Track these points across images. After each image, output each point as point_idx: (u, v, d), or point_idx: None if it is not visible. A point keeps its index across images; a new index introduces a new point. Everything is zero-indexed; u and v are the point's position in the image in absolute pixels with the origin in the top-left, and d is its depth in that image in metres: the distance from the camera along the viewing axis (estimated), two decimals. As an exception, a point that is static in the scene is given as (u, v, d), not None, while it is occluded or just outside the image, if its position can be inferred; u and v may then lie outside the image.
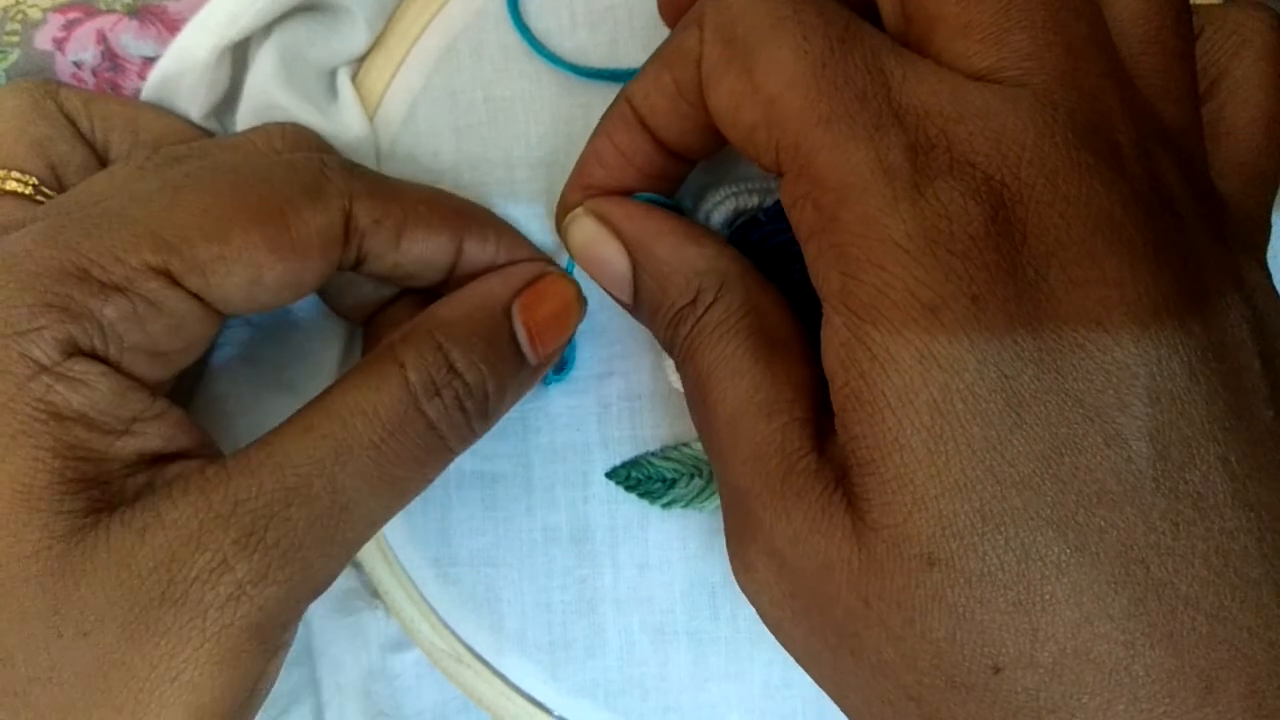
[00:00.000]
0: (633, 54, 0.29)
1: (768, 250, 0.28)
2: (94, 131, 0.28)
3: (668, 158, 0.25)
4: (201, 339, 0.23)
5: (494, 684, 0.30)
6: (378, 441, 0.23)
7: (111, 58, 0.29)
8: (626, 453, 0.30)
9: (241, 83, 0.28)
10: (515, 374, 0.26)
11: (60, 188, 0.27)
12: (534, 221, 0.29)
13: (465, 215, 0.26)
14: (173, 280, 0.22)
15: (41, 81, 0.28)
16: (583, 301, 0.27)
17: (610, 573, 0.30)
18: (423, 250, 0.25)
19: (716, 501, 0.29)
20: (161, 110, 0.29)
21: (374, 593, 0.30)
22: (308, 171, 0.23)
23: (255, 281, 0.23)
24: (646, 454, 0.30)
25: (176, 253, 0.22)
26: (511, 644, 0.30)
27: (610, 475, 0.30)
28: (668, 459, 0.30)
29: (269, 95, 0.28)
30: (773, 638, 0.29)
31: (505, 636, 0.30)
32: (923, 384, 0.18)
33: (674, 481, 0.29)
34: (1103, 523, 0.17)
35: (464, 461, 0.30)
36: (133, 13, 0.29)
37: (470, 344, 0.25)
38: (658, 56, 0.23)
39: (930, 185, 0.18)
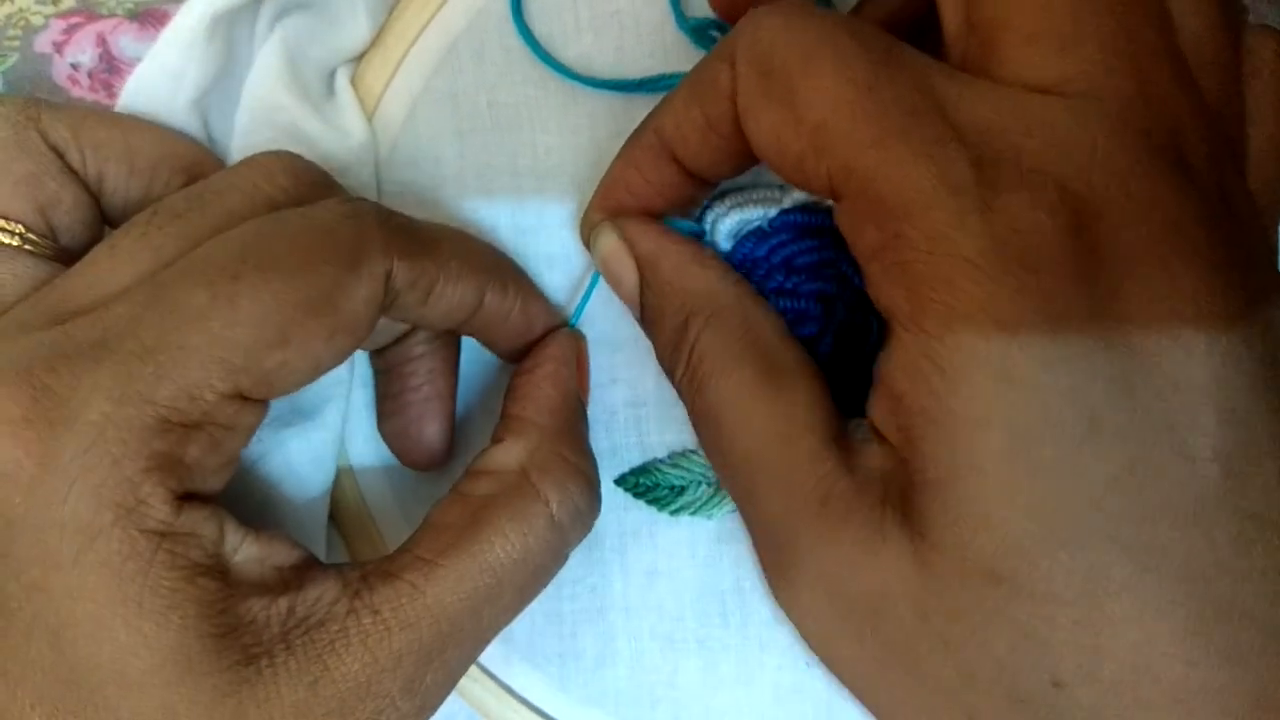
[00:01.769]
0: (638, 60, 0.28)
1: (775, 263, 0.28)
2: (85, 164, 0.25)
3: (694, 183, 0.25)
4: (257, 428, 0.23)
5: (502, 697, 0.30)
6: (524, 584, 0.24)
7: (109, 60, 0.28)
8: (634, 460, 0.30)
9: (241, 79, 0.27)
10: None
11: (50, 232, 0.24)
12: (542, 232, 0.29)
13: (489, 268, 0.26)
14: (243, 398, 0.21)
15: (22, 104, 0.25)
16: None
17: (620, 580, 0.30)
18: (448, 305, 0.25)
19: (725, 509, 0.29)
20: (155, 131, 0.27)
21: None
22: (349, 239, 0.22)
23: (315, 369, 0.22)
24: (655, 461, 0.30)
25: (245, 373, 0.21)
26: (520, 655, 0.30)
27: (619, 482, 0.30)
28: (676, 466, 0.30)
29: (274, 95, 0.27)
30: (783, 644, 0.29)
31: (514, 648, 0.30)
32: (998, 403, 0.18)
33: (683, 489, 0.29)
34: (1167, 541, 0.18)
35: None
36: (134, 16, 0.28)
37: (586, 451, 0.26)
38: (686, 88, 0.23)
39: (998, 199, 0.18)
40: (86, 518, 0.20)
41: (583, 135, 0.29)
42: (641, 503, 0.30)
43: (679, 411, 0.29)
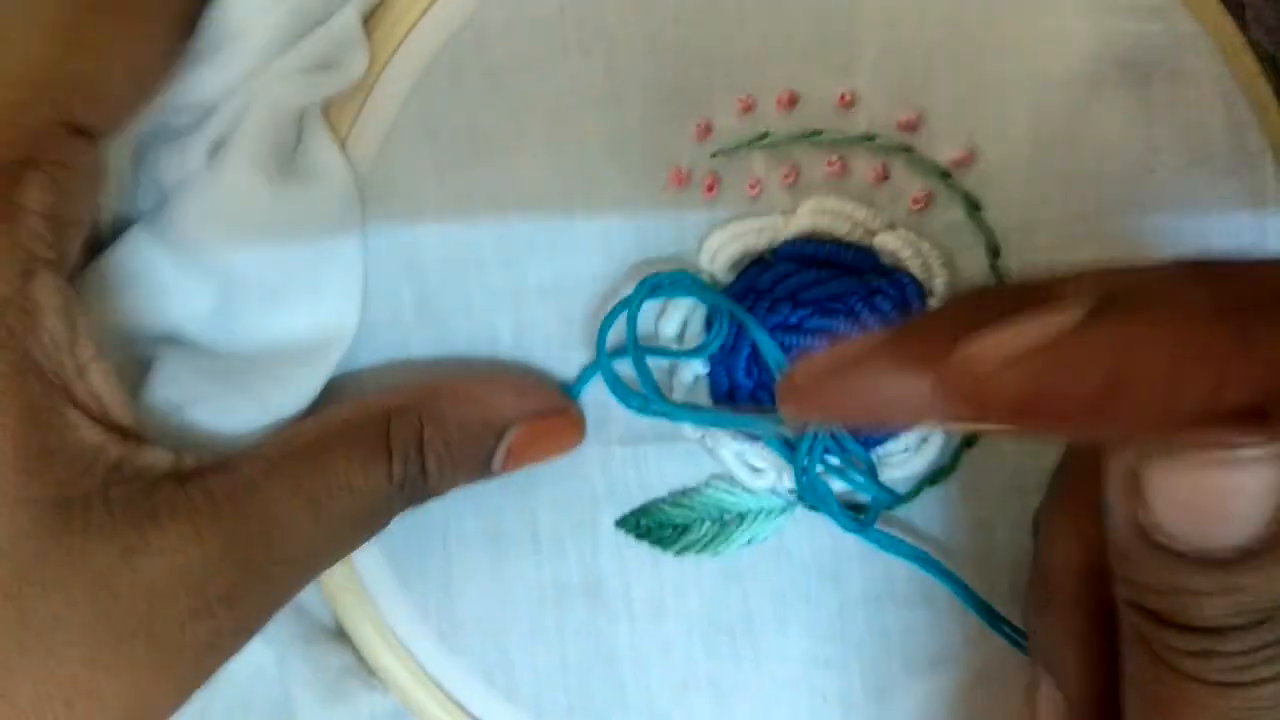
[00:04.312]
0: (629, 80, 0.27)
1: (779, 295, 0.27)
2: None
3: None
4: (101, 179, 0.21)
5: (508, 754, 0.28)
6: (356, 520, 0.23)
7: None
8: (635, 501, 0.28)
9: None
10: (467, 481, 0.26)
11: None
12: (532, 262, 0.27)
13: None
14: (71, 128, 0.19)
15: None
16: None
17: (626, 623, 0.28)
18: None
19: (731, 547, 0.28)
20: None
21: (370, 671, 0.28)
22: None
23: (136, 77, 0.21)
24: (656, 500, 0.29)
25: (55, 86, 0.19)
26: (527, 712, 0.28)
27: (620, 524, 0.28)
28: (678, 505, 0.28)
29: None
30: (797, 679, 0.28)
31: (520, 704, 0.28)
32: None
33: (686, 528, 0.28)
34: None
35: (467, 521, 0.28)
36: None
37: (456, 461, 0.25)
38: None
39: None
40: None
41: (570, 162, 0.27)
42: (644, 543, 0.28)
43: (680, 448, 0.28)
